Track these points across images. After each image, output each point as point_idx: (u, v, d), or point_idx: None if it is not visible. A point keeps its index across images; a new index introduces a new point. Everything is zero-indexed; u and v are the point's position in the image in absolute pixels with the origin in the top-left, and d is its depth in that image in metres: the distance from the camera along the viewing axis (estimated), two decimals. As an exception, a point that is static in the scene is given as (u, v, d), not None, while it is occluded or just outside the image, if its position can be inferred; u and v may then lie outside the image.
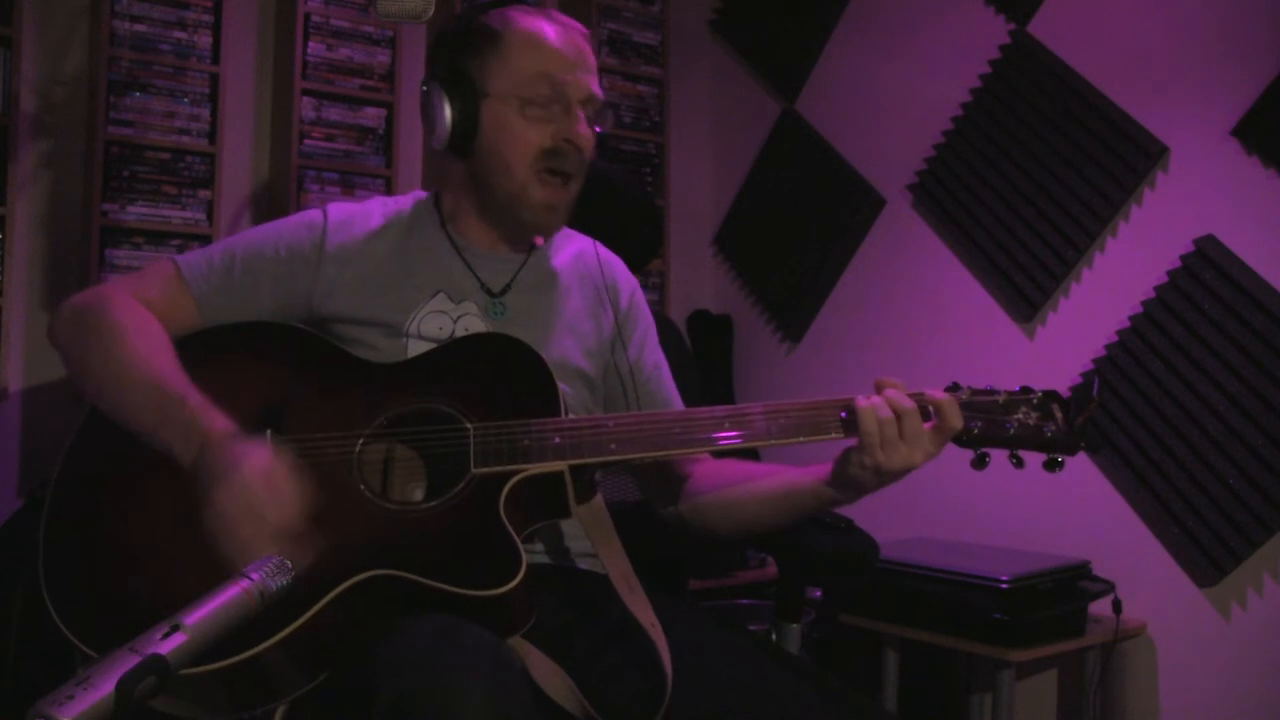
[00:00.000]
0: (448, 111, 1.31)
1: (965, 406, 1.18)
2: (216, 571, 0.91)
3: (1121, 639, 2.36)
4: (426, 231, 1.39)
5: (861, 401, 1.15)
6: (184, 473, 1.11)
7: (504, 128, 1.32)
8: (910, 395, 1.16)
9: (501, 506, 1.11)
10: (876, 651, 2.46)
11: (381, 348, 1.29)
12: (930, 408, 1.16)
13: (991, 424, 1.18)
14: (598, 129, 1.35)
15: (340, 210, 1.38)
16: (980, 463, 1.18)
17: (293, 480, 1.07)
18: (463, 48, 1.34)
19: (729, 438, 1.18)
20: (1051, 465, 1.18)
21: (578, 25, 1.38)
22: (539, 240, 1.45)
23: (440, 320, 1.32)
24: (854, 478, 1.18)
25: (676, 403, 1.49)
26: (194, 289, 1.30)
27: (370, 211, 1.40)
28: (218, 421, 1.11)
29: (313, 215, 1.38)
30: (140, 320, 1.24)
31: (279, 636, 1.00)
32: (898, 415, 1.14)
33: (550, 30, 1.33)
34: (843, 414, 1.17)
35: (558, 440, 1.15)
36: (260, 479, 1.06)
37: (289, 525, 1.05)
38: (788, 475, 1.29)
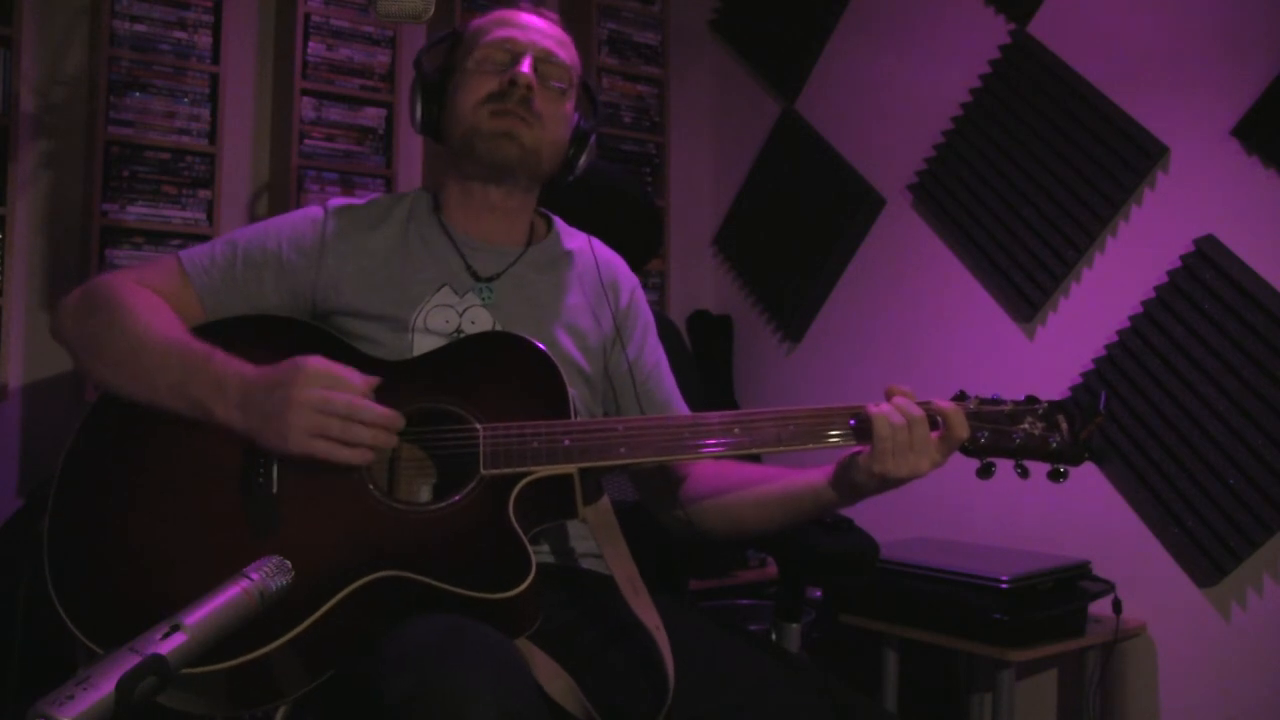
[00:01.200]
0: (420, 96, 1.40)
1: (972, 416, 1.19)
2: (219, 561, 0.91)
3: (1121, 639, 2.36)
4: (423, 224, 1.40)
5: (873, 408, 1.16)
6: (190, 463, 1.12)
7: (461, 88, 1.37)
8: (918, 404, 1.17)
9: (511, 509, 1.11)
10: (876, 651, 2.46)
11: (387, 343, 1.29)
12: (937, 417, 1.17)
13: (998, 434, 1.19)
14: (557, 85, 1.38)
15: (340, 205, 1.40)
16: (986, 472, 1.19)
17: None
18: (440, 48, 1.44)
19: (738, 443, 1.19)
20: (1055, 476, 1.19)
21: (550, 13, 1.45)
22: (540, 233, 1.46)
23: (446, 314, 1.32)
24: (859, 484, 1.19)
25: (677, 400, 1.49)
26: (196, 283, 1.31)
27: (370, 207, 1.41)
28: (246, 365, 1.13)
29: (313, 210, 1.39)
30: (147, 298, 1.25)
31: (287, 636, 1.00)
32: (908, 423, 1.15)
33: (512, 11, 1.42)
34: (852, 421, 1.18)
35: (567, 443, 1.15)
36: (323, 362, 1.11)
37: (370, 385, 1.11)
38: (787, 479, 1.29)
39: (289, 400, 1.07)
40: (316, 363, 1.10)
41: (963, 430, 1.16)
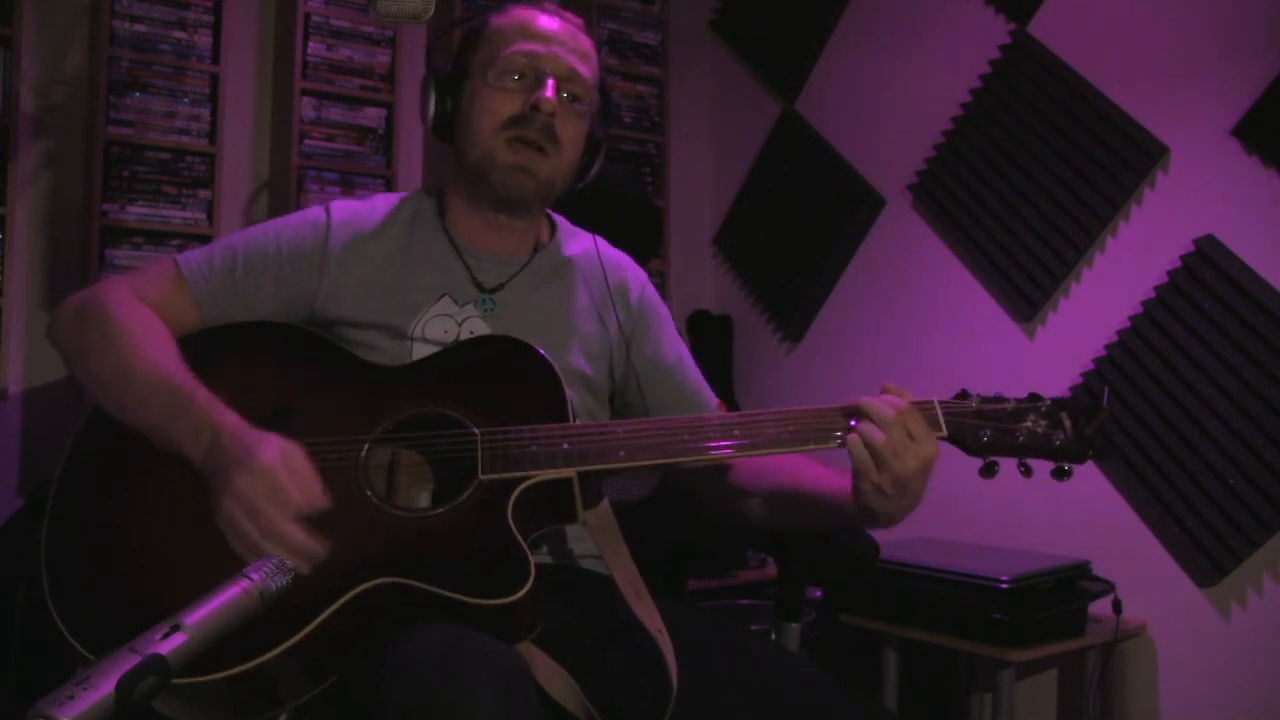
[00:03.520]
0: (433, 94, 1.36)
1: (974, 415, 1.18)
2: (219, 571, 0.91)
3: (1121, 639, 2.35)
4: (427, 230, 1.38)
5: (861, 421, 1.15)
6: (190, 470, 1.11)
7: (477, 98, 1.34)
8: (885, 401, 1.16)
9: (510, 513, 1.10)
10: (876, 651, 2.46)
11: (386, 350, 1.28)
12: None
13: (1001, 432, 1.17)
14: (579, 106, 1.35)
15: (343, 209, 1.37)
16: (989, 471, 1.18)
17: (310, 465, 1.09)
18: (455, 42, 1.41)
19: (738, 445, 1.18)
20: (1059, 474, 1.17)
21: (573, 16, 1.40)
22: (544, 237, 1.45)
23: (445, 324, 1.31)
24: (871, 506, 1.16)
25: (706, 391, 1.47)
26: (194, 289, 1.29)
27: (373, 210, 1.39)
28: (227, 415, 1.11)
29: (315, 214, 1.36)
30: (142, 318, 1.23)
31: (287, 644, 0.99)
32: (899, 416, 1.14)
33: (534, 12, 1.37)
34: (852, 421, 1.17)
35: (566, 446, 1.14)
36: (280, 461, 1.07)
37: (312, 505, 1.06)
38: (827, 484, 1.26)
39: (227, 485, 1.05)
40: (271, 459, 1.06)
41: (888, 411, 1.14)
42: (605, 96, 1.45)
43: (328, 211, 1.36)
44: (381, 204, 1.40)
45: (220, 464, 1.07)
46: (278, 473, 1.06)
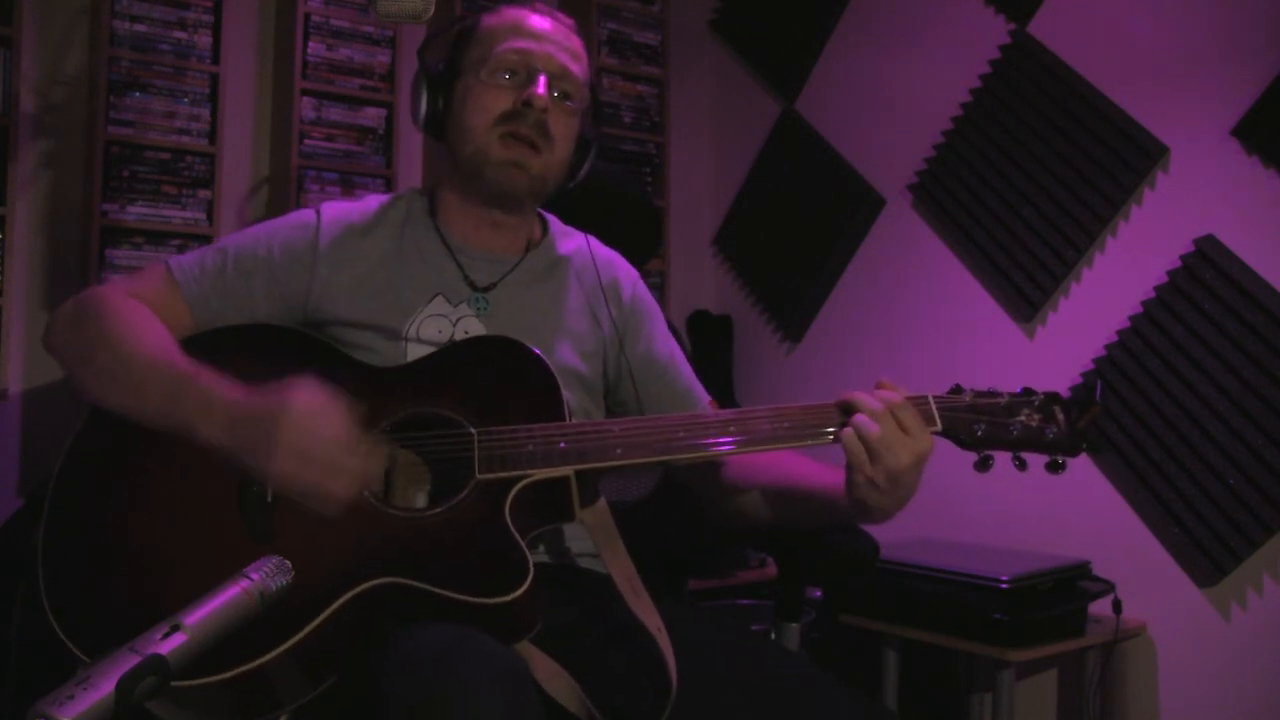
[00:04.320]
0: (425, 92, 1.37)
1: (969, 409, 1.19)
2: (219, 571, 0.91)
3: (1121, 639, 2.35)
4: (418, 230, 1.38)
5: (861, 415, 1.15)
6: (190, 468, 1.11)
7: (469, 95, 1.35)
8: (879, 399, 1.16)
9: (507, 512, 1.10)
10: (876, 651, 2.46)
11: (381, 351, 1.28)
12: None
13: (994, 426, 1.18)
14: (570, 104, 1.36)
15: (334, 209, 1.37)
16: (984, 465, 1.18)
17: (328, 393, 1.10)
18: (447, 42, 1.41)
19: (734, 441, 1.18)
20: (1054, 467, 1.19)
21: (564, 17, 1.41)
22: (535, 235, 1.45)
23: (439, 324, 1.31)
24: (864, 499, 1.16)
25: (698, 389, 1.48)
26: (185, 292, 1.29)
27: (364, 210, 1.39)
28: (234, 389, 1.11)
29: (306, 215, 1.37)
30: (139, 314, 1.23)
31: (286, 645, 0.99)
32: (889, 410, 1.14)
33: (525, 12, 1.38)
34: (846, 415, 1.17)
35: (563, 445, 1.15)
36: (316, 401, 1.08)
37: (354, 425, 1.08)
38: (819, 480, 1.27)
39: (273, 440, 1.05)
40: (304, 401, 1.07)
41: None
42: (595, 96, 1.46)
43: (318, 213, 1.37)
44: (373, 204, 1.41)
45: (248, 426, 1.07)
46: (317, 412, 1.07)
